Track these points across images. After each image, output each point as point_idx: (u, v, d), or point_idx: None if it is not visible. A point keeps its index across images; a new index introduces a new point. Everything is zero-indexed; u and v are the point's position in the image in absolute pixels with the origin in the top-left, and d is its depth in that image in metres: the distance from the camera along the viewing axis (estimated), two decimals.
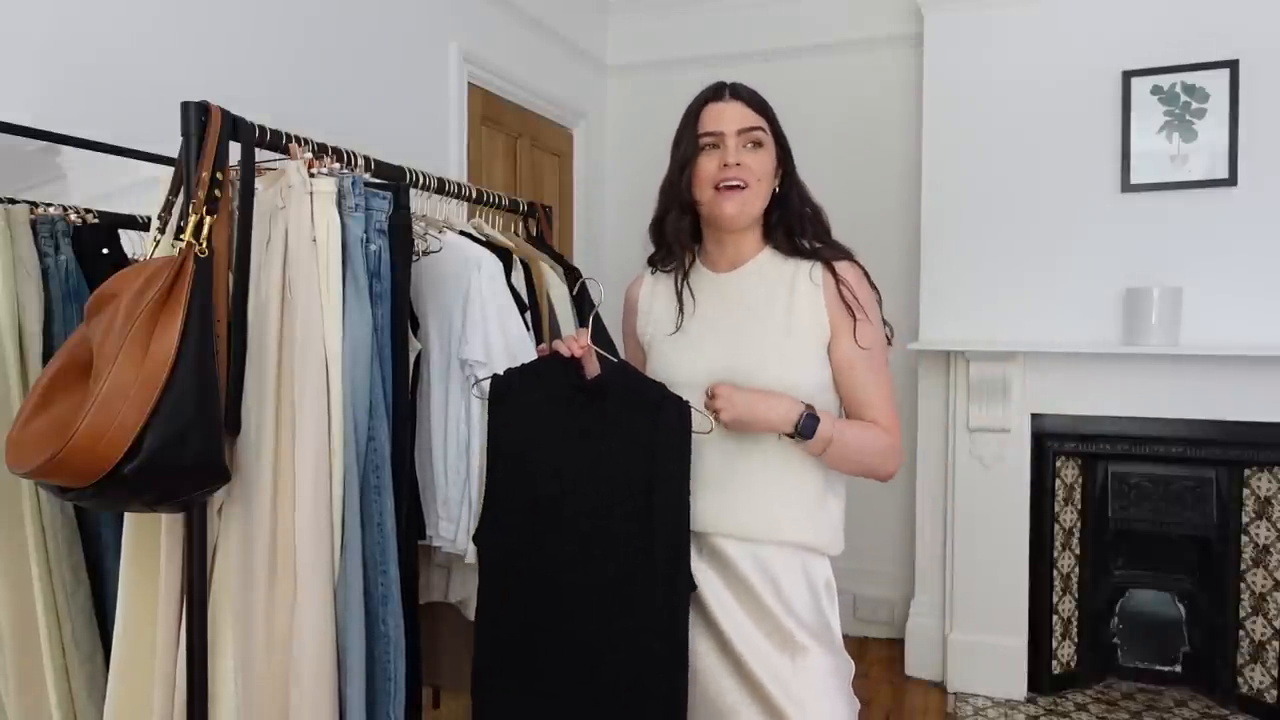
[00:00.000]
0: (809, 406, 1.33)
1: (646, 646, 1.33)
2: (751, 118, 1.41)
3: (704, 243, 1.50)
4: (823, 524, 1.42)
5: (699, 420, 1.33)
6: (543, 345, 1.44)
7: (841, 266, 1.42)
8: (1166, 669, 3.16)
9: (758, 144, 1.40)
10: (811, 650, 1.36)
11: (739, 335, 1.41)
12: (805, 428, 1.31)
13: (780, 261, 1.45)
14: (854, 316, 1.39)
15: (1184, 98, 2.93)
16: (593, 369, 1.41)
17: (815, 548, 1.41)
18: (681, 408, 1.34)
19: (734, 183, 1.39)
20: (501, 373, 1.44)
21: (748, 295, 1.44)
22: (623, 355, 1.58)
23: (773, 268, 1.45)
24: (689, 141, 1.42)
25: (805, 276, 1.42)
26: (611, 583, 1.35)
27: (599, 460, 1.36)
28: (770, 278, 1.44)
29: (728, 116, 1.40)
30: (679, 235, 1.46)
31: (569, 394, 1.38)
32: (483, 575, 1.42)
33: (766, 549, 1.38)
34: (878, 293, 1.46)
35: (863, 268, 1.45)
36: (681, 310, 1.47)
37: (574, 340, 1.38)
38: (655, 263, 1.53)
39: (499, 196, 2.14)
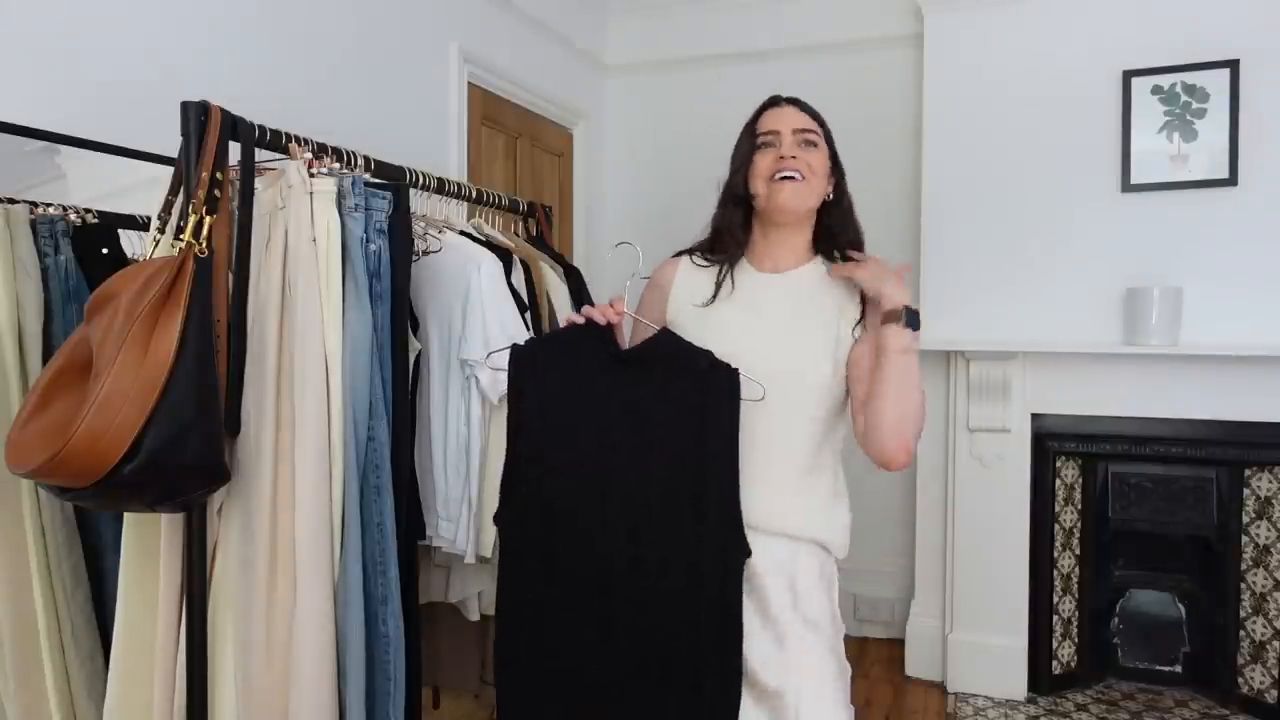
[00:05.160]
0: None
1: (699, 621, 1.30)
2: (806, 120, 1.48)
3: (752, 240, 1.51)
4: (834, 523, 1.44)
5: (750, 388, 1.31)
6: (570, 314, 1.43)
7: None
8: (1167, 669, 3.16)
9: (812, 144, 1.46)
10: (811, 644, 1.37)
11: (771, 326, 1.43)
12: (913, 318, 1.36)
13: (825, 271, 1.49)
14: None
15: (1184, 98, 2.92)
16: (623, 338, 1.39)
17: (824, 544, 1.42)
18: (731, 375, 1.31)
19: (789, 174, 1.42)
20: (521, 342, 1.41)
21: (789, 294, 1.46)
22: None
23: (820, 276, 1.48)
24: (746, 143, 1.48)
25: (844, 289, 1.46)
26: (658, 555, 1.31)
27: (644, 430, 1.33)
28: (815, 283, 1.47)
29: (783, 118, 1.47)
30: (730, 227, 1.49)
31: (604, 363, 1.35)
32: (503, 557, 1.39)
33: (777, 540, 1.38)
34: None
35: None
36: (717, 294, 1.47)
37: (609, 307, 1.37)
38: (700, 250, 1.53)
39: (499, 196, 2.14)
